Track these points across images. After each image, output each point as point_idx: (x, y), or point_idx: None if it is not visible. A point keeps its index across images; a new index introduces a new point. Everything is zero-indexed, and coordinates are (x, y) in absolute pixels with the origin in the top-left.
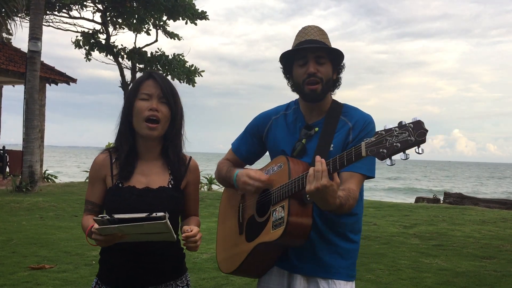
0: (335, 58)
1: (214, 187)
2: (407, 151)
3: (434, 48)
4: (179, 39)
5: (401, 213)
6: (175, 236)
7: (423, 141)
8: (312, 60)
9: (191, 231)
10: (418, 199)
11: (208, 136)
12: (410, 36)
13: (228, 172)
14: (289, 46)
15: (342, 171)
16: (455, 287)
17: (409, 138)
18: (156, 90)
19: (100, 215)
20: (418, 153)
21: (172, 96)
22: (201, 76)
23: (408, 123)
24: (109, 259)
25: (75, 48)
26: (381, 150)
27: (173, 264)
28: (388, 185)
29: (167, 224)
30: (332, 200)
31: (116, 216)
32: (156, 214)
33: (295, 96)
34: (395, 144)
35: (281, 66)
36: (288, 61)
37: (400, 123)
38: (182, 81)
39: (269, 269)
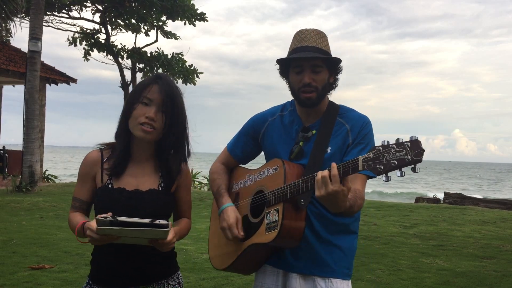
0: (332, 63)
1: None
2: (403, 169)
3: (435, 48)
4: (176, 39)
5: (401, 213)
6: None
7: (419, 161)
8: (308, 69)
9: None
10: (418, 199)
11: (208, 136)
12: (411, 36)
13: (218, 194)
14: (288, 48)
15: None
16: (455, 287)
17: (406, 157)
18: (158, 96)
19: (102, 215)
20: (415, 172)
21: (173, 105)
22: (199, 77)
23: (406, 142)
24: (100, 259)
25: (69, 45)
26: (377, 166)
27: (164, 263)
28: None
29: (168, 232)
30: (342, 203)
31: (119, 218)
32: (159, 221)
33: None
34: (392, 161)
35: (278, 68)
36: (285, 64)
37: (398, 140)
38: (179, 80)
39: (260, 267)
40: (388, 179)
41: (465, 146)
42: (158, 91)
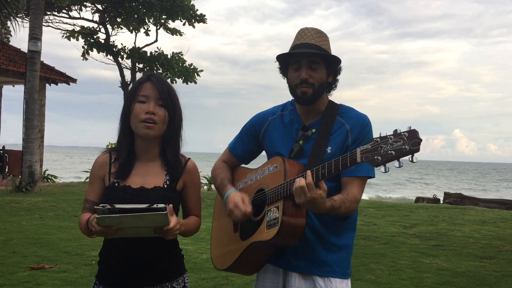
0: (330, 62)
1: (214, 187)
2: (401, 159)
3: (435, 48)
4: (180, 35)
5: (401, 213)
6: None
7: (417, 150)
8: (305, 65)
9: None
10: (418, 199)
11: (208, 136)
12: (411, 36)
13: (222, 185)
14: (289, 46)
15: (342, 176)
16: (455, 287)
17: (403, 146)
18: (153, 92)
19: (101, 204)
20: (412, 161)
21: (170, 98)
22: (199, 76)
23: (403, 132)
24: (106, 260)
25: (62, 37)
26: (375, 157)
27: (170, 265)
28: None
29: (167, 216)
30: (322, 206)
31: (117, 206)
32: (157, 205)
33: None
34: (389, 152)
35: (278, 66)
36: (285, 62)
37: (395, 131)
38: (178, 79)
39: (262, 267)
40: (386, 169)
41: (465, 146)
42: (152, 87)
